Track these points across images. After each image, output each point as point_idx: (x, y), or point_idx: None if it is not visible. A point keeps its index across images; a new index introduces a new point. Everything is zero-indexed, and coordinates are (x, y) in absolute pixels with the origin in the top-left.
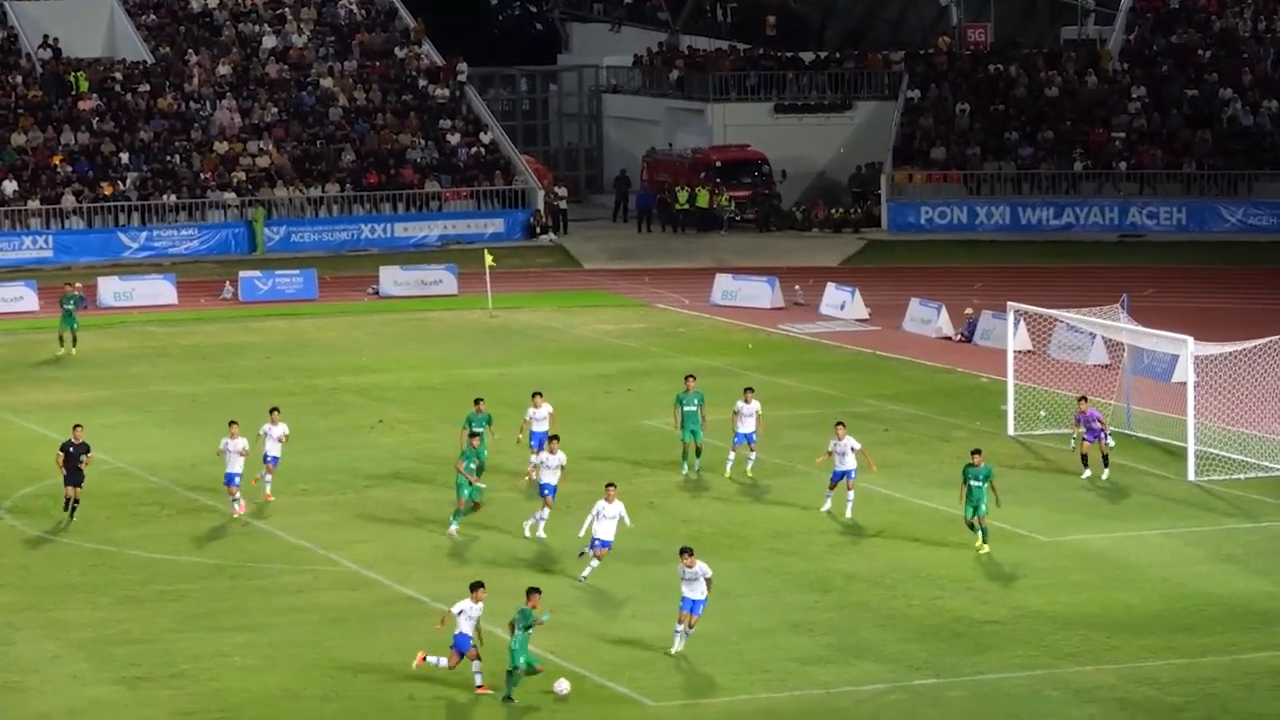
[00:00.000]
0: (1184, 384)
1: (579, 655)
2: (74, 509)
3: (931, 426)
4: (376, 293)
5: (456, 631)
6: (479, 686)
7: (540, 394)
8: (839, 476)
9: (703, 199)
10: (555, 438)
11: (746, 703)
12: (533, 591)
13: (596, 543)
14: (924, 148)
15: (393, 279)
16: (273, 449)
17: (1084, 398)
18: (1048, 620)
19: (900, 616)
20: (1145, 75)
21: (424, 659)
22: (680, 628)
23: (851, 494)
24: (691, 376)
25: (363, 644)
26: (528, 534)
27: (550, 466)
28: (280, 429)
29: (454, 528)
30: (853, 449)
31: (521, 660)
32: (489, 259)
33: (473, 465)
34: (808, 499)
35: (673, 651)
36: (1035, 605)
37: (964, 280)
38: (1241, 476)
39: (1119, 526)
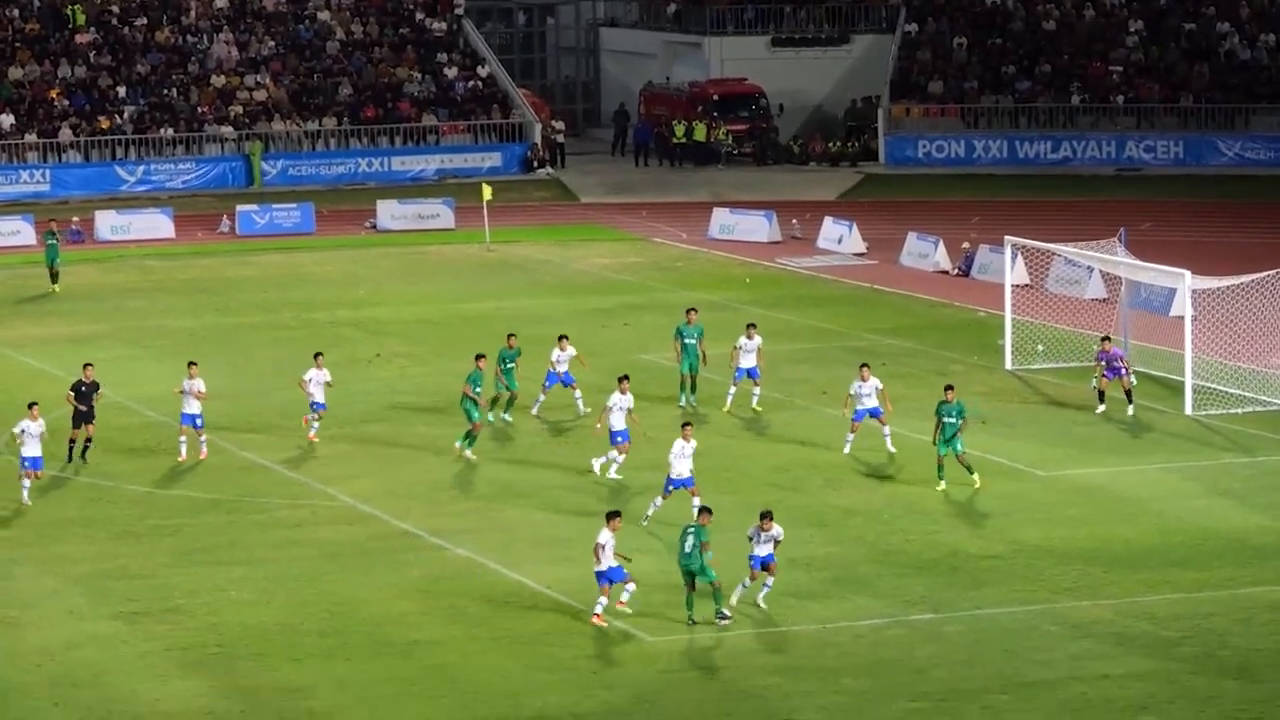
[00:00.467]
0: (1181, 318)
1: (578, 591)
2: (86, 448)
3: (929, 361)
4: (374, 227)
5: (606, 567)
6: (596, 614)
7: (566, 336)
8: (861, 416)
9: (700, 133)
10: (625, 378)
11: (743, 638)
12: (704, 511)
13: (674, 483)
14: (921, 81)
15: (390, 213)
16: (318, 394)
17: (1107, 337)
18: (1045, 555)
19: (897, 551)
20: (1142, 8)
21: (600, 618)
22: (747, 582)
23: (887, 429)
24: (693, 309)
25: (360, 579)
26: (597, 472)
27: (621, 408)
28: (324, 374)
29: (469, 451)
30: (876, 389)
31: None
32: (486, 192)
33: (479, 389)
34: (806, 434)
35: (733, 602)
36: (1032, 540)
37: (961, 214)
38: (1239, 411)
39: (1116, 461)
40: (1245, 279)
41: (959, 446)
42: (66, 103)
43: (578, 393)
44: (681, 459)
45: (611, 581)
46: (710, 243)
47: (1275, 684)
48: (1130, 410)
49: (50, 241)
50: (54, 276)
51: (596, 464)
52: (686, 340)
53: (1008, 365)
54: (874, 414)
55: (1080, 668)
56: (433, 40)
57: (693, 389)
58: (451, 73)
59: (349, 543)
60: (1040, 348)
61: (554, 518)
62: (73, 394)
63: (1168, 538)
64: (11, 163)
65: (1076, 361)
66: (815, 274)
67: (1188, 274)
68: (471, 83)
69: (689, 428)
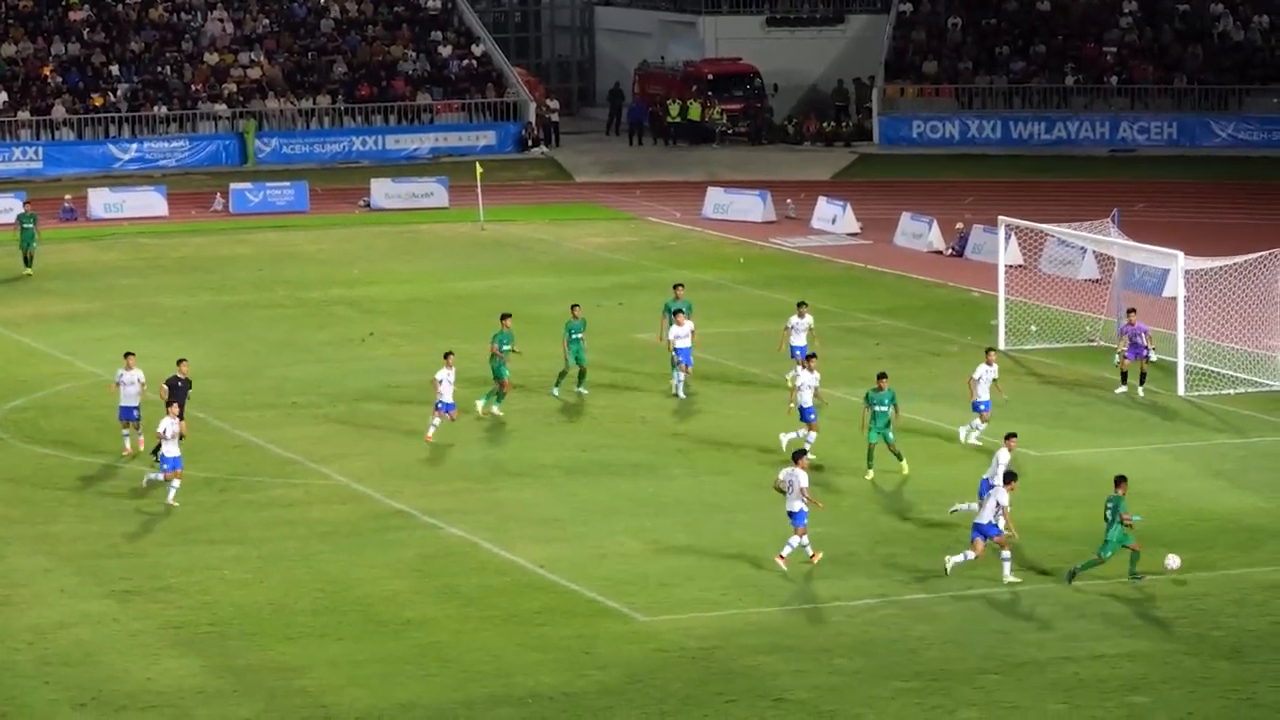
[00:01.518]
0: (1174, 299)
1: (570, 569)
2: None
3: (923, 341)
4: (368, 205)
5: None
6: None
7: (680, 303)
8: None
9: (695, 112)
10: (813, 355)
11: (736, 618)
12: (1120, 480)
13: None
14: (916, 61)
15: (384, 191)
16: (447, 394)
17: (1132, 309)
18: (1038, 535)
19: (890, 531)
20: None
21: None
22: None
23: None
24: (679, 285)
25: (353, 558)
26: (784, 445)
27: (808, 386)
28: (453, 374)
29: (496, 408)
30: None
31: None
32: (479, 170)
33: (507, 347)
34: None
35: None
36: (1025, 520)
37: (955, 194)
38: (1231, 392)
39: (1109, 441)
40: (1238, 260)
41: (890, 435)
42: (60, 80)
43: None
44: (806, 389)
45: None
46: (704, 222)
47: (1267, 664)
48: (1140, 391)
49: (26, 225)
50: (27, 260)
51: (785, 438)
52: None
53: (1001, 345)
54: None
55: (1072, 648)
56: (427, 18)
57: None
58: (446, 51)
59: (342, 522)
60: (1034, 328)
61: (547, 497)
62: (166, 388)
63: (1161, 518)
64: (4, 140)
65: (1070, 342)
66: (809, 254)
67: (1180, 255)
68: (466, 61)
69: (814, 359)
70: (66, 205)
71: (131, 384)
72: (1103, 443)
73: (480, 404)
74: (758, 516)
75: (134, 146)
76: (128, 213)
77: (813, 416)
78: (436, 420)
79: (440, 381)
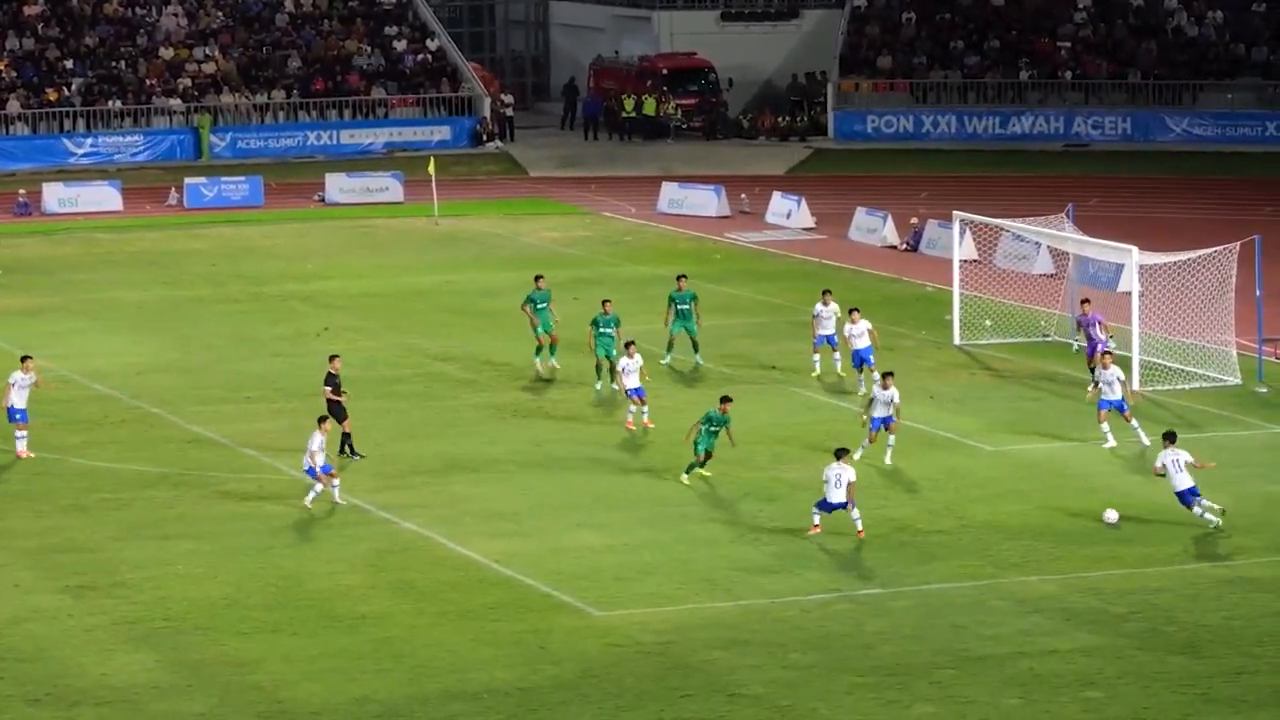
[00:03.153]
0: (1129, 293)
1: (525, 564)
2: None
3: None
4: (322, 200)
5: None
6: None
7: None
8: (878, 424)
9: (649, 107)
10: (632, 342)
11: (692, 613)
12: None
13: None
14: (870, 56)
15: (339, 186)
16: (319, 459)
17: (1086, 300)
18: (992, 530)
19: (845, 526)
20: None
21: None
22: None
23: (892, 439)
24: (683, 275)
25: (307, 552)
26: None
27: (631, 371)
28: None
29: (553, 361)
30: (894, 401)
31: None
32: (430, 166)
33: (541, 306)
34: (753, 408)
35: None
36: (980, 515)
37: (910, 189)
38: (1185, 386)
39: (1063, 436)
40: (1192, 255)
41: (710, 449)
42: (14, 75)
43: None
44: (881, 404)
45: None
46: (659, 217)
47: (1221, 660)
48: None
49: None
50: None
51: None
52: (679, 306)
53: (956, 340)
54: (888, 422)
55: (1027, 643)
56: (382, 13)
57: (694, 349)
58: (401, 46)
59: (296, 517)
60: (988, 323)
61: (501, 492)
62: (329, 388)
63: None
64: None
65: (1024, 337)
66: (763, 248)
67: (1135, 249)
68: (421, 56)
69: (890, 376)
70: (21, 200)
71: (24, 386)
72: (1056, 437)
73: (537, 361)
74: (713, 511)
75: (89, 141)
76: (82, 207)
77: (635, 394)
78: (318, 487)
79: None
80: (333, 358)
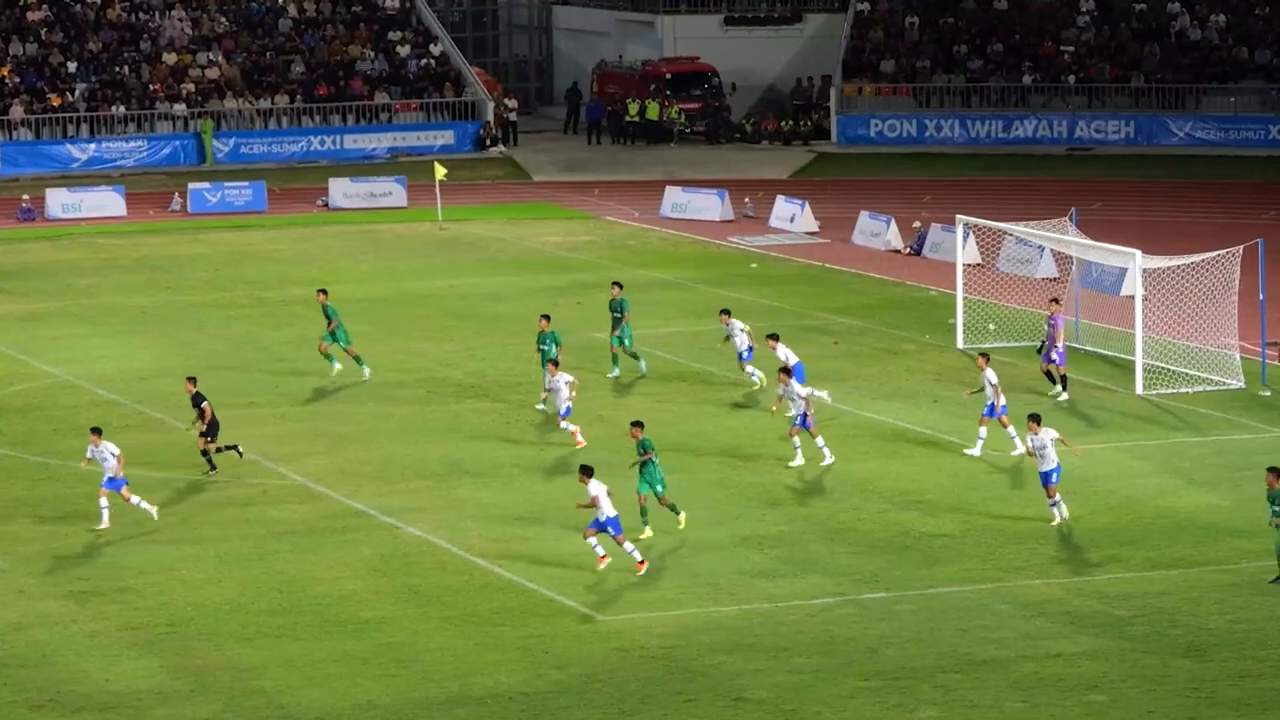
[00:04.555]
0: (1132, 297)
1: (527, 569)
2: None
3: (880, 339)
4: (326, 205)
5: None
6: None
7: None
8: (803, 423)
9: (653, 111)
10: (554, 362)
11: (695, 616)
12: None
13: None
14: (873, 60)
15: (342, 191)
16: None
17: (1055, 299)
18: (996, 534)
19: (849, 530)
20: None
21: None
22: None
23: (820, 440)
24: (617, 284)
25: (310, 558)
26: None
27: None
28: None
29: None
30: (808, 396)
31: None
32: (440, 171)
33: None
34: (755, 415)
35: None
36: (983, 519)
37: (913, 193)
38: (1189, 390)
39: (1068, 440)
40: (1195, 258)
41: (660, 487)
42: (17, 80)
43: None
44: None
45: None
46: (662, 221)
47: (1225, 663)
48: (1055, 391)
49: None
50: None
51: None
52: (614, 315)
53: (959, 344)
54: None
55: (1031, 646)
56: (385, 18)
57: (635, 357)
58: (404, 50)
59: (300, 521)
60: (992, 326)
61: (505, 496)
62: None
63: (1118, 517)
64: None
65: (1028, 340)
66: (767, 252)
67: (1138, 253)
68: (424, 61)
69: (785, 374)
70: (24, 205)
71: None
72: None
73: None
74: (717, 515)
75: (92, 146)
76: (85, 213)
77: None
78: (105, 503)
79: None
80: (190, 379)
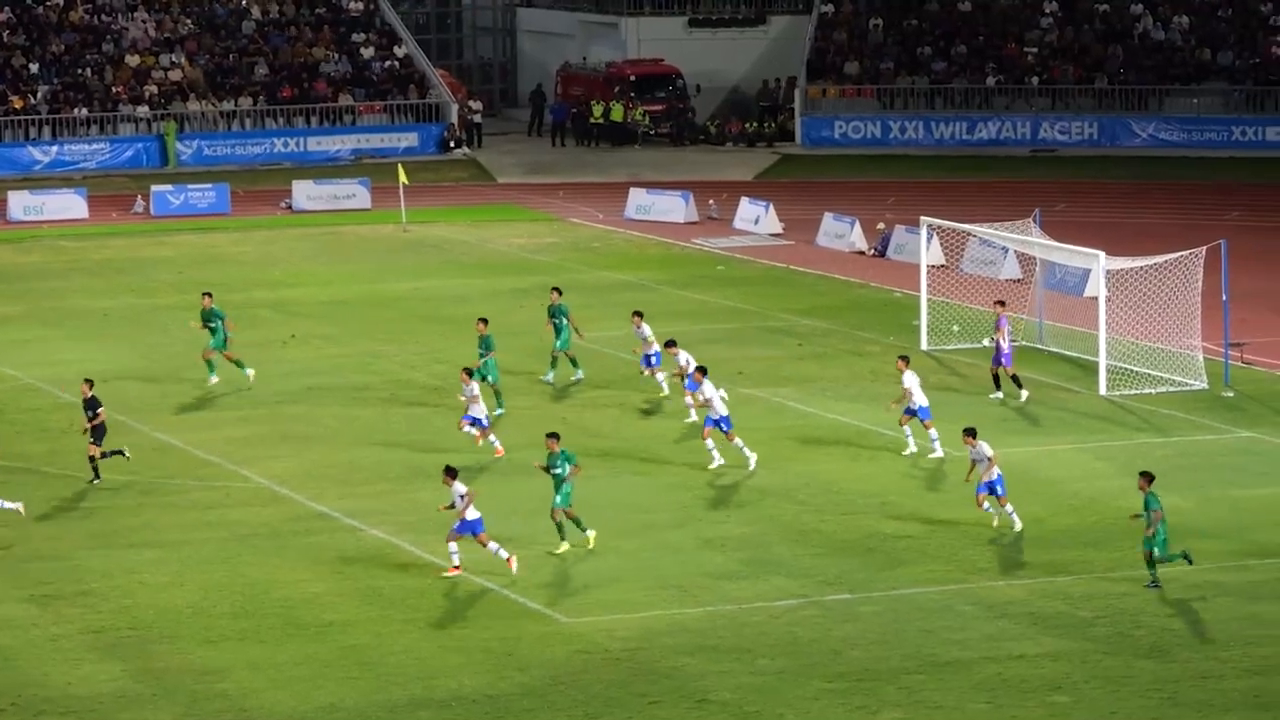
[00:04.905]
0: (1096, 298)
1: (493, 571)
2: None
3: (845, 341)
4: (290, 207)
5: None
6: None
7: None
8: (711, 423)
9: (617, 113)
10: (469, 370)
11: (659, 619)
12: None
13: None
14: (837, 62)
15: (306, 193)
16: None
17: (1001, 301)
18: (960, 535)
19: (813, 531)
20: None
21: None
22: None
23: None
24: (556, 289)
25: (273, 560)
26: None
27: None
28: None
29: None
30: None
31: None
32: (403, 176)
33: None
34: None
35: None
36: (947, 520)
37: (877, 195)
38: (1152, 391)
39: (1030, 441)
40: (1158, 259)
41: (566, 500)
42: None
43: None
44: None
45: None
46: (627, 223)
47: (1188, 663)
48: (998, 395)
49: None
50: None
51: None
52: (554, 321)
53: (923, 345)
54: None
55: (995, 648)
56: (349, 20)
57: (572, 364)
58: (368, 52)
59: (263, 524)
60: (956, 328)
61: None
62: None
63: (1082, 518)
64: None
65: (991, 342)
66: (731, 254)
67: (1102, 254)
68: (388, 62)
69: (702, 371)
70: None
71: None
72: (1024, 443)
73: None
74: (680, 517)
75: (54, 149)
76: (48, 215)
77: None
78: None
79: None
80: (87, 381)
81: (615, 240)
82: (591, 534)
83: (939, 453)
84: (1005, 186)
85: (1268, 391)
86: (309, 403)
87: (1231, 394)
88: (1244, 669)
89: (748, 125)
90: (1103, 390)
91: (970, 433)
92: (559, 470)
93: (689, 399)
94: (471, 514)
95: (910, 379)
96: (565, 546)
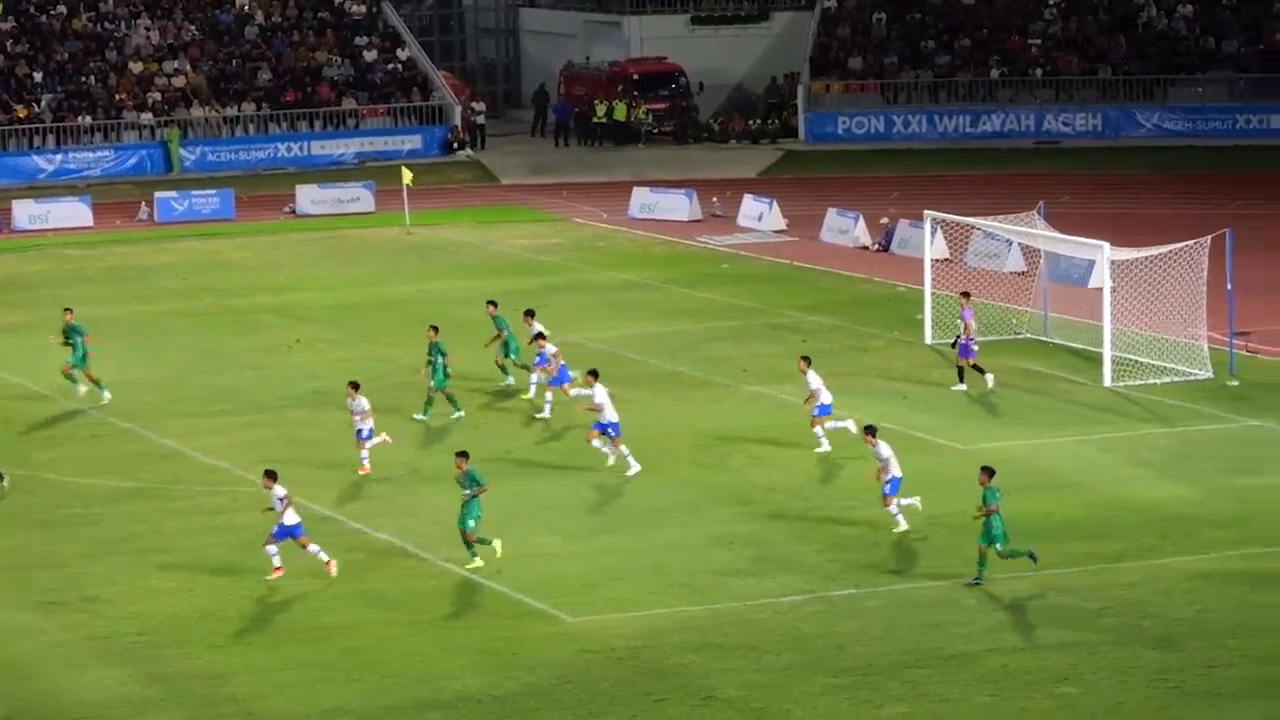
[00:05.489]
0: (1100, 289)
1: (493, 573)
2: None
3: (849, 336)
4: (294, 211)
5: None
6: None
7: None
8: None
9: (620, 112)
10: (354, 383)
11: (665, 617)
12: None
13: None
14: (841, 58)
15: (310, 197)
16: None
17: (965, 294)
18: (963, 529)
19: (817, 528)
20: None
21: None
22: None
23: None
24: (492, 302)
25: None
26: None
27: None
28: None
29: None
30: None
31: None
32: (407, 177)
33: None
34: (727, 411)
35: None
36: (951, 514)
37: (881, 189)
38: (1156, 381)
39: (1035, 433)
40: (1163, 249)
41: (472, 523)
42: None
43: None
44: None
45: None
46: (631, 222)
47: (1196, 653)
48: (961, 387)
49: None
50: None
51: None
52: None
53: (927, 340)
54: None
55: (1000, 640)
56: (352, 23)
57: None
58: (371, 56)
59: (268, 529)
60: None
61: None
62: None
63: (1087, 509)
64: None
65: (996, 335)
66: (736, 251)
67: (1106, 245)
68: (391, 65)
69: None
70: None
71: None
72: (1028, 435)
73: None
74: (687, 515)
75: (58, 157)
76: (52, 223)
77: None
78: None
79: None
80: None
81: (619, 239)
82: (498, 544)
83: (825, 447)
84: (1009, 179)
85: (1273, 380)
86: (314, 406)
87: (1236, 383)
88: (1251, 657)
89: (751, 122)
90: (1107, 382)
91: (870, 431)
92: (469, 491)
93: (536, 376)
94: (291, 518)
95: (814, 379)
96: (478, 563)
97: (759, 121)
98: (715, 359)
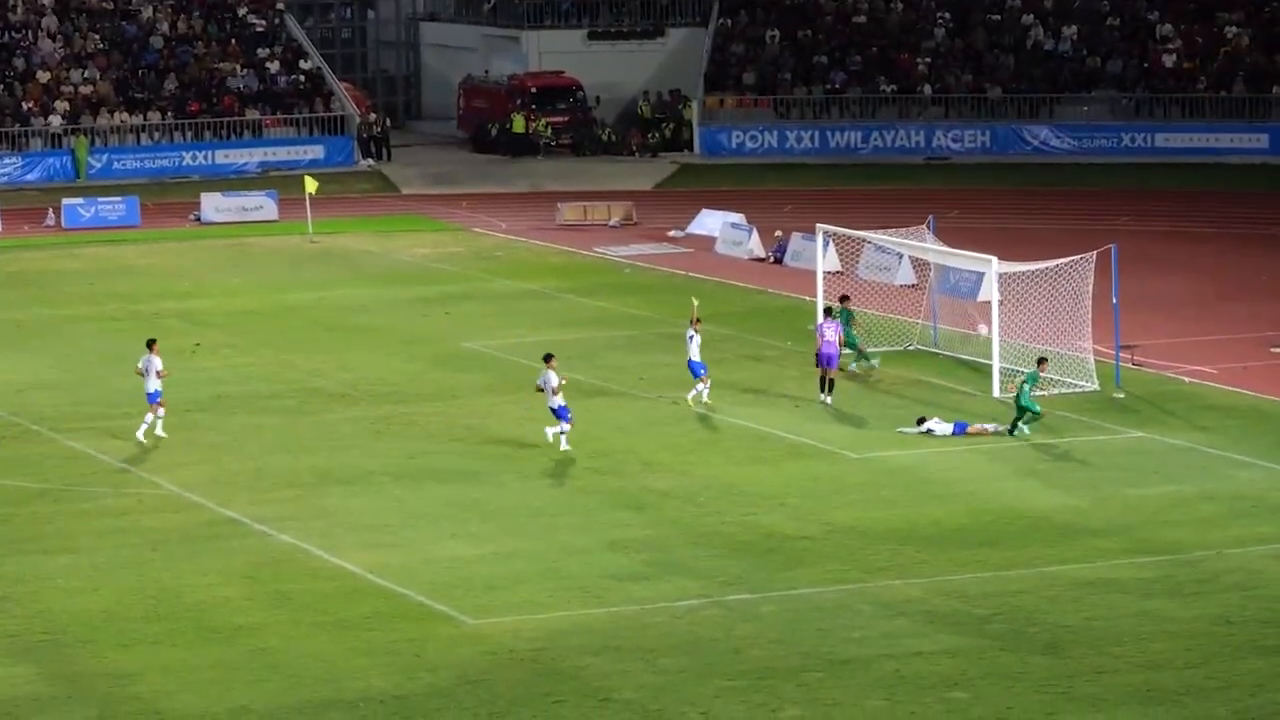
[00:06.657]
0: (989, 302)
1: (397, 574)
2: None
3: (744, 346)
4: (198, 219)
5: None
6: None
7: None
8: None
9: (518, 125)
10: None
11: (563, 619)
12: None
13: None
14: (735, 73)
15: (214, 205)
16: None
17: (828, 309)
18: (858, 535)
19: (713, 533)
20: (949, 1)
21: None
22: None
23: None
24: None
25: (185, 565)
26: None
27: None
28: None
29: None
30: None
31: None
32: (310, 185)
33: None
34: (622, 418)
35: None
36: (845, 521)
37: (774, 203)
38: (1044, 393)
39: (926, 443)
40: (1050, 264)
41: None
42: None
43: None
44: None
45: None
46: (530, 232)
47: (1082, 659)
48: (826, 399)
49: None
50: None
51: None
52: None
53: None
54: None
55: (893, 645)
56: (255, 35)
57: None
58: (274, 67)
59: (174, 530)
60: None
61: (375, 504)
62: None
63: (977, 518)
64: None
65: (888, 346)
66: (632, 262)
67: (994, 259)
68: (294, 76)
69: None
70: None
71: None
72: (920, 444)
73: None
74: (584, 520)
75: None
76: None
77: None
78: None
79: None
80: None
81: (518, 249)
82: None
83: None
84: (900, 194)
85: (1157, 392)
86: (217, 411)
87: (1123, 395)
88: (1136, 664)
89: (650, 136)
90: (996, 392)
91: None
92: None
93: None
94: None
95: (551, 379)
96: None
97: (655, 135)
98: (612, 367)
